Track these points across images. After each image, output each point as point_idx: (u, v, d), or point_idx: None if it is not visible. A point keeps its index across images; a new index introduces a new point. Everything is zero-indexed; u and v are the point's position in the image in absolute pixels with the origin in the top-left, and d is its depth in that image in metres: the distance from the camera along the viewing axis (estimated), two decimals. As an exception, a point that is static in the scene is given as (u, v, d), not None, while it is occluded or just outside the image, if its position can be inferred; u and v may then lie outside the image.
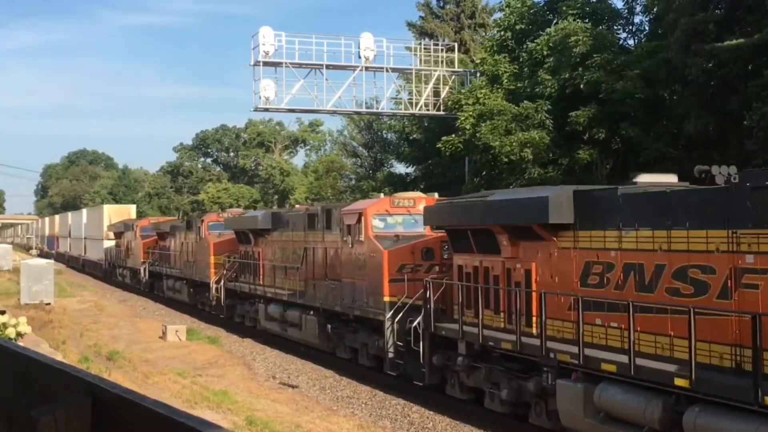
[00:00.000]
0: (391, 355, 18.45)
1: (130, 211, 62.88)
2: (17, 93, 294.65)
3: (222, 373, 21.74)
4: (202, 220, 34.26)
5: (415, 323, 17.34)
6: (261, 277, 27.41)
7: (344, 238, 20.67)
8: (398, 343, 18.10)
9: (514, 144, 31.23)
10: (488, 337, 15.14)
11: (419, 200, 20.05)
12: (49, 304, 35.08)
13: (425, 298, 17.10)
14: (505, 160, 31.81)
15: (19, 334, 17.61)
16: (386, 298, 18.54)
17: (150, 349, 25.83)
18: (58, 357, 17.80)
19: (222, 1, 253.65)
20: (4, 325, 17.67)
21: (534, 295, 14.21)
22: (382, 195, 20.65)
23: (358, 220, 19.95)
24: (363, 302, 19.71)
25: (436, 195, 21.00)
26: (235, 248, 30.59)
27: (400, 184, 46.99)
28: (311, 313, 22.98)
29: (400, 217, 19.95)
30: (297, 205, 26.76)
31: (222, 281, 30.80)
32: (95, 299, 42.65)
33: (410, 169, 48.61)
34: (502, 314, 15.35)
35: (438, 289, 17.05)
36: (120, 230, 51.25)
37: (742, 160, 24.71)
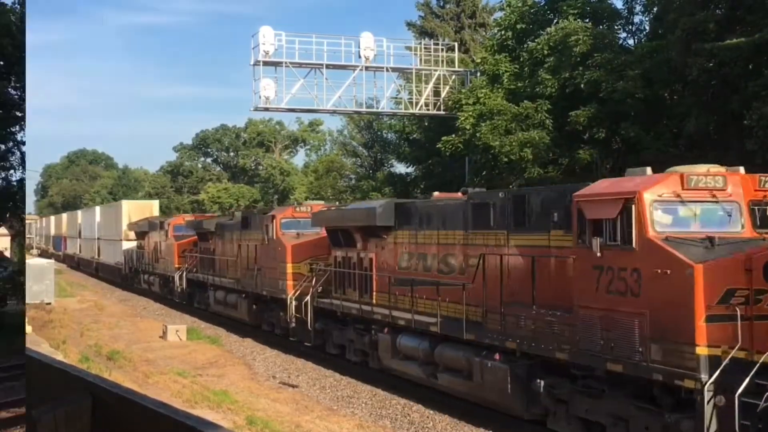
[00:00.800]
0: None
1: (152, 207, 55.24)
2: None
3: (222, 373, 21.76)
4: (273, 216, 26.13)
5: None
6: (375, 293, 20.26)
7: (581, 241, 12.79)
8: None
9: (514, 144, 31.23)
10: None
11: (730, 177, 12.10)
12: (49, 303, 35.17)
13: None
14: (505, 159, 31.81)
15: (19, 334, 17.62)
16: (701, 350, 10.88)
17: (150, 349, 25.88)
18: (59, 357, 17.80)
19: (222, 1, 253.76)
20: (5, 325, 17.67)
21: None
22: (648, 170, 12.60)
23: (622, 211, 12.00)
24: (632, 349, 11.83)
25: (741, 169, 12.59)
26: (323, 253, 23.68)
27: (400, 184, 47.11)
28: (495, 356, 15.09)
29: (698, 205, 11.99)
30: (435, 193, 19.40)
31: (309, 298, 23.13)
32: (96, 299, 42.72)
33: (410, 169, 48.73)
34: None
35: None
36: (143, 230, 44.15)
37: (742, 160, 24.71)
